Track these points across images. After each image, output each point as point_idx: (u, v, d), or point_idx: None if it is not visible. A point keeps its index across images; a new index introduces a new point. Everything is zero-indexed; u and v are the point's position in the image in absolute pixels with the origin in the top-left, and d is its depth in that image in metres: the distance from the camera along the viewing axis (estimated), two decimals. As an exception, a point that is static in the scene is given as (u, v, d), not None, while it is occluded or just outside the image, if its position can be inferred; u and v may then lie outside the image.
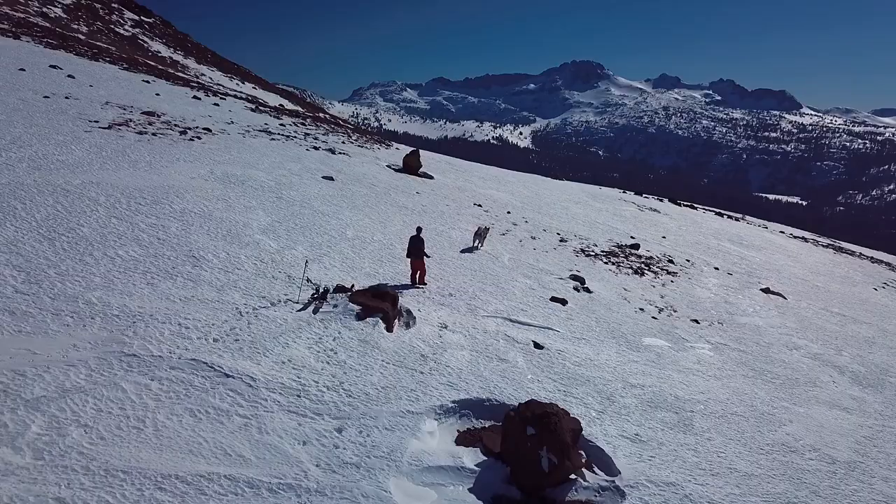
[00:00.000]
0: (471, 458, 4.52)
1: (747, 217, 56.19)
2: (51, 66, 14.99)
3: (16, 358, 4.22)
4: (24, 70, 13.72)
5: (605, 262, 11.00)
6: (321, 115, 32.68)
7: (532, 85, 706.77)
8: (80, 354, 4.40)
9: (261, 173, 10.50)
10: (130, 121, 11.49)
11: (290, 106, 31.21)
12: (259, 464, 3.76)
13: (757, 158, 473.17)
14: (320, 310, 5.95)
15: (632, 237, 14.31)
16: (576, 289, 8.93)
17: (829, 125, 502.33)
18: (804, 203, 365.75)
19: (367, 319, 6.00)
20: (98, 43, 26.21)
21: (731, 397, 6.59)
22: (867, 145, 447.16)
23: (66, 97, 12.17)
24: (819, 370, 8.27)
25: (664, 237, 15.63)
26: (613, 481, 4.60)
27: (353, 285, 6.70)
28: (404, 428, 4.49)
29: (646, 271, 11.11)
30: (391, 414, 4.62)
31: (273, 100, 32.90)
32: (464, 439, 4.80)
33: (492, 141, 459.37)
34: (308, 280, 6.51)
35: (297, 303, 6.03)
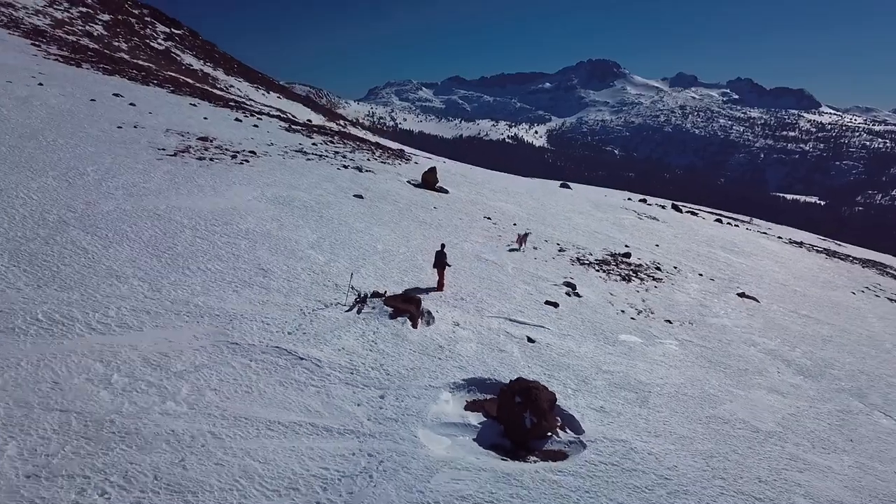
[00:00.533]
0: (475, 419, 6.28)
1: (755, 220, 57.30)
2: (114, 94, 17.05)
3: (159, 345, 6.07)
4: (94, 100, 15.74)
5: (597, 270, 12.70)
6: (340, 121, 34.70)
7: (548, 84, 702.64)
8: (199, 343, 6.24)
9: (303, 194, 12.37)
10: (190, 147, 13.43)
11: (315, 119, 33.18)
12: (330, 417, 5.55)
13: (774, 158, 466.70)
14: (362, 311, 7.75)
15: (626, 246, 15.98)
16: (567, 294, 10.66)
17: (849, 124, 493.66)
18: (822, 203, 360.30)
19: (398, 318, 7.79)
20: (140, 62, 28.34)
21: (685, 382, 8.28)
22: (887, 145, 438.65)
23: (135, 126, 14.14)
24: (769, 363, 9.91)
25: (657, 245, 17.27)
26: (579, 438, 6.33)
27: (385, 291, 8.49)
28: (427, 397, 6.27)
29: (633, 278, 12.80)
30: (418, 387, 6.40)
31: (298, 111, 35.00)
32: (470, 406, 6.57)
33: (507, 140, 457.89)
34: (352, 287, 8.31)
35: (345, 305, 7.84)
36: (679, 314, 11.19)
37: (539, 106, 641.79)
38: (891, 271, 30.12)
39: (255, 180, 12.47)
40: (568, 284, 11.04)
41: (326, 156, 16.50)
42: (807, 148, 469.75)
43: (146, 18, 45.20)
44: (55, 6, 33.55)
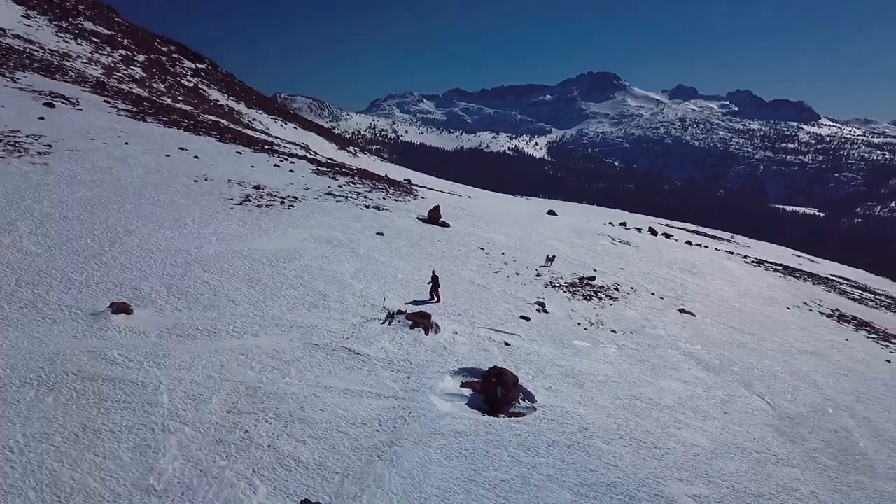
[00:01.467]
0: (466, 392, 9.90)
1: (736, 237, 60.90)
2: (180, 147, 20.81)
3: (271, 345, 9.73)
4: (169, 156, 19.53)
5: (565, 292, 16.36)
6: (351, 148, 38.48)
7: (548, 96, 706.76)
8: (294, 344, 9.91)
9: (338, 234, 16.09)
10: (249, 196, 17.16)
11: (329, 147, 37.15)
12: (378, 388, 9.19)
13: (774, 170, 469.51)
14: (392, 323, 11.42)
15: (594, 270, 19.65)
16: (538, 310, 14.31)
17: (848, 136, 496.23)
18: (821, 215, 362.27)
19: (416, 328, 11.44)
20: (182, 106, 32.30)
21: (614, 373, 11.89)
22: (886, 157, 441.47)
23: (205, 179, 17.89)
24: (684, 361, 13.52)
25: (622, 269, 20.93)
26: (532, 405, 9.95)
27: (406, 310, 12.17)
28: (436, 378, 9.91)
29: (593, 297, 16.46)
30: (430, 372, 10.04)
31: (314, 140, 38.96)
32: (464, 385, 10.20)
33: (507, 151, 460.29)
34: (384, 307, 11.98)
35: (380, 319, 11.50)
36: (624, 326, 14.84)
37: (540, 118, 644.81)
38: (844, 286, 33.69)
39: (302, 223, 16.20)
40: (539, 303, 14.70)
41: (351, 197, 20.23)
42: (806, 160, 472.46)
43: (174, 55, 49.45)
44: (100, 52, 37.67)
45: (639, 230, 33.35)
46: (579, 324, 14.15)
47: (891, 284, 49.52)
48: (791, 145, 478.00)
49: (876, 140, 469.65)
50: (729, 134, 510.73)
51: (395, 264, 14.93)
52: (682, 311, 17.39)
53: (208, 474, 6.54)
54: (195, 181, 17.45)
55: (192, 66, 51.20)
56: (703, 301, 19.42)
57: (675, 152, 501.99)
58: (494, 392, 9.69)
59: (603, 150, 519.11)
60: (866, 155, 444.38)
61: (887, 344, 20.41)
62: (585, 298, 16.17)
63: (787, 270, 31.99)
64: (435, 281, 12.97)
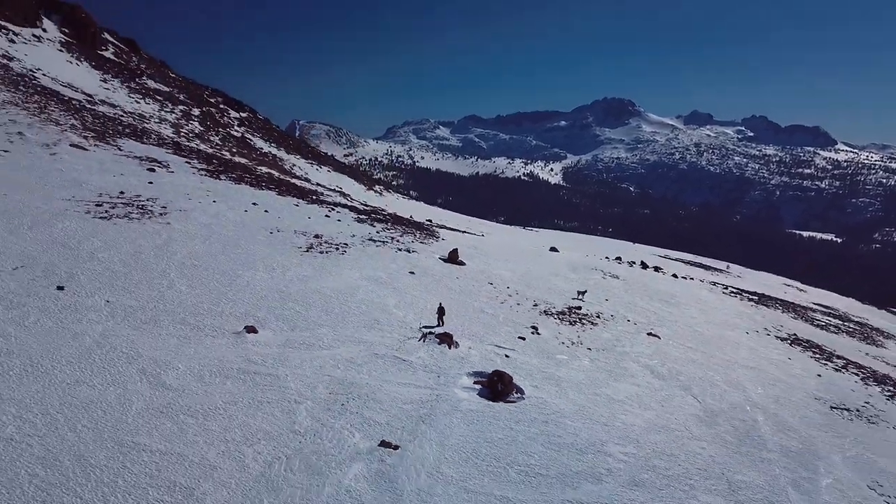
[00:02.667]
0: (477, 387, 14.66)
1: (732, 266, 64.88)
2: (252, 203, 26.12)
3: (348, 355, 14.60)
4: (247, 211, 24.82)
5: (555, 318, 21.12)
6: (377, 187, 43.67)
7: (563, 122, 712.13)
8: (363, 354, 14.75)
9: (381, 273, 21.08)
10: (312, 244, 22.26)
11: (358, 188, 42.54)
12: (419, 382, 13.97)
13: (790, 195, 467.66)
14: (425, 341, 16.27)
15: (582, 301, 24.39)
16: (532, 332, 19.06)
17: (865, 161, 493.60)
18: (839, 240, 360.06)
19: (442, 344, 16.27)
20: (240, 159, 37.95)
21: (585, 378, 16.56)
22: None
23: (278, 230, 23.08)
24: (641, 372, 18.11)
25: (607, 300, 25.61)
26: (522, 396, 14.68)
27: (434, 331, 17.02)
28: (457, 377, 14.69)
29: (577, 323, 21.17)
30: (453, 373, 14.82)
31: (346, 183, 44.39)
32: (476, 382, 14.98)
33: (523, 177, 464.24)
34: (420, 329, 16.85)
35: (417, 338, 16.35)
36: (598, 345, 19.54)
37: (554, 143, 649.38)
38: (816, 314, 37.83)
39: (354, 265, 21.25)
40: (533, 327, 19.48)
41: (387, 241, 25.28)
42: (822, 185, 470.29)
43: (221, 106, 55.67)
44: (165, 110, 43.77)
45: (631, 264, 37.94)
46: (563, 343, 18.89)
47: (876, 313, 53.20)
48: (807, 171, 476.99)
49: (894, 165, 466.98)
50: (744, 159, 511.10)
51: (424, 297, 19.85)
52: (650, 334, 22.00)
53: (325, 426, 11.34)
54: (271, 233, 22.62)
55: (237, 115, 57.49)
56: (671, 326, 23.99)
57: (690, 178, 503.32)
58: (496, 387, 14.46)
59: (618, 175, 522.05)
60: (884, 180, 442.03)
61: (826, 362, 24.75)
62: (571, 324, 20.92)
63: (762, 299, 36.28)
64: (441, 311, 17.76)
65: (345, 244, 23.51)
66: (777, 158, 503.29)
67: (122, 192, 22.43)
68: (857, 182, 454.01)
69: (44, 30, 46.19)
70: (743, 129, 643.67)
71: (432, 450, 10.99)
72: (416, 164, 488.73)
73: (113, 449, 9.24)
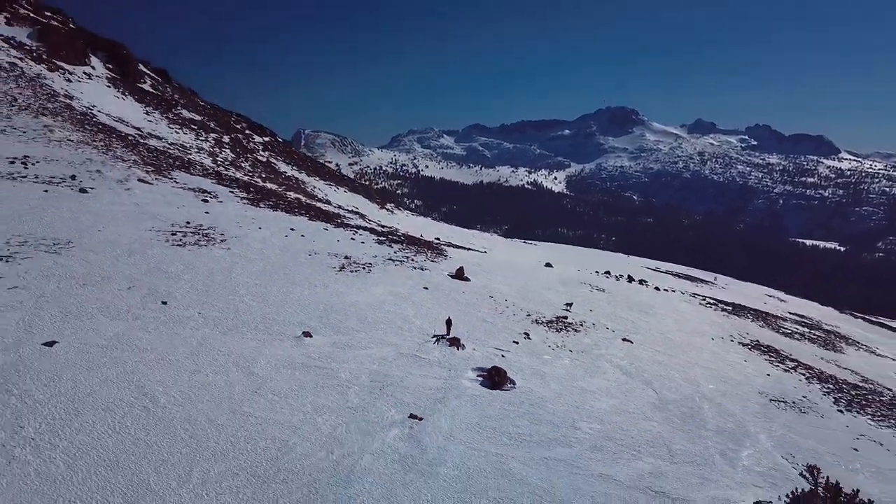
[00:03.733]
0: (480, 379, 18.99)
1: (720, 277, 68.91)
2: (290, 228, 30.66)
3: (380, 354, 19.04)
4: (287, 236, 29.38)
5: (544, 326, 25.50)
6: (389, 205, 48.14)
7: (567, 131, 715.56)
8: (392, 354, 19.12)
9: (400, 289, 25.53)
10: (344, 264, 26.73)
11: (372, 206, 47.11)
12: (435, 375, 18.33)
13: (794, 204, 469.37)
14: (438, 343, 20.69)
15: (569, 311, 28.75)
16: (524, 337, 23.44)
17: (869, 170, 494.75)
18: (842, 249, 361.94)
19: (451, 346, 20.68)
20: (270, 185, 42.66)
21: (564, 373, 20.91)
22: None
23: (315, 253, 27.58)
24: (611, 369, 22.44)
25: (591, 310, 29.96)
26: (515, 386, 19.05)
27: (445, 337, 21.46)
28: (464, 371, 19.03)
29: (563, 330, 25.54)
30: (461, 368, 19.15)
31: (361, 202, 48.95)
32: (479, 375, 19.39)
33: (526, 186, 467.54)
34: (434, 335, 21.29)
35: (432, 342, 20.76)
36: (578, 348, 23.91)
37: (558, 152, 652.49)
38: (786, 323, 42.02)
39: (378, 283, 25.73)
40: (525, 333, 23.88)
41: (404, 261, 29.78)
42: (826, 194, 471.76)
43: (246, 132, 60.48)
44: (200, 139, 48.52)
45: (618, 278, 42.27)
46: (549, 346, 23.28)
47: (852, 322, 57.24)
48: (811, 179, 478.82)
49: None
50: (748, 168, 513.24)
51: (437, 309, 24.31)
52: (624, 339, 26.34)
53: (369, 404, 15.71)
54: (309, 255, 27.16)
55: (260, 139, 62.32)
56: (644, 333, 28.32)
57: (693, 186, 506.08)
58: (494, 379, 18.84)
59: (621, 184, 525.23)
60: (887, 189, 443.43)
61: (779, 364, 29.01)
62: (557, 331, 25.32)
63: (735, 309, 40.53)
64: (448, 322, 22.20)
65: (370, 264, 28.04)
66: (780, 167, 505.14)
67: (188, 223, 27.03)
68: (861, 191, 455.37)
69: (92, 67, 51.10)
70: (746, 137, 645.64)
71: (446, 421, 15.32)
72: (421, 172, 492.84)
73: (230, 415, 13.65)
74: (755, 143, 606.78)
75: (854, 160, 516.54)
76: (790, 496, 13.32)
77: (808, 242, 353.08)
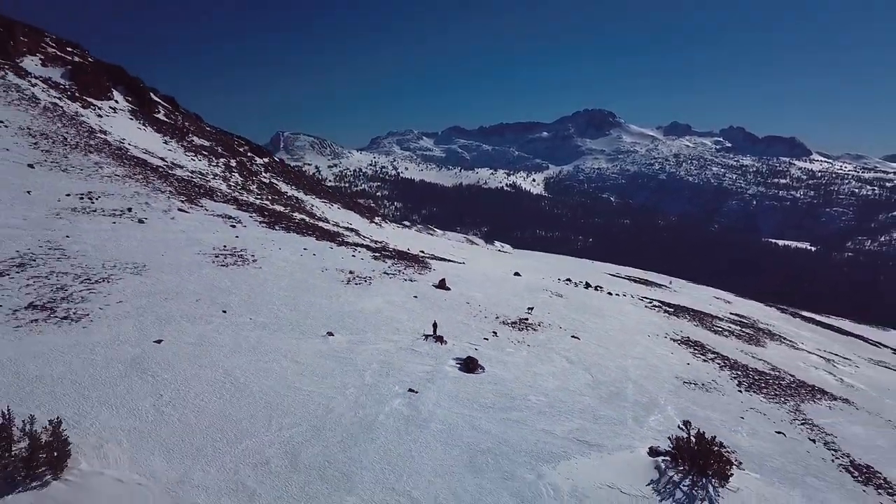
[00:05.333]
0: (458, 365, 25.60)
1: (675, 280, 76.35)
2: (303, 248, 37.03)
3: (384, 348, 25.66)
4: (302, 255, 35.77)
5: (509, 326, 32.28)
6: (377, 218, 54.49)
7: (545, 133, 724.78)
8: (393, 348, 25.66)
9: (395, 298, 32.11)
10: (350, 279, 33.19)
11: (362, 221, 53.54)
12: (424, 363, 24.88)
13: (767, 205, 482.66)
14: (427, 341, 27.37)
15: (530, 314, 35.61)
16: (492, 335, 30.19)
17: (839, 171, 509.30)
18: (813, 249, 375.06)
19: (437, 342, 27.32)
20: (279, 208, 48.97)
21: (522, 362, 27.62)
22: (876, 192, 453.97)
23: (326, 269, 34.02)
24: (559, 359, 29.22)
25: (549, 313, 36.84)
26: (483, 370, 25.78)
27: (431, 335, 28.19)
28: (446, 360, 25.49)
29: (523, 329, 32.36)
30: (444, 358, 25.63)
31: (354, 218, 55.28)
32: (457, 363, 26.11)
33: (505, 188, 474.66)
34: (425, 334, 27.96)
35: (422, 340, 27.42)
36: (535, 343, 30.74)
37: (537, 154, 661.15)
38: (722, 322, 49.39)
39: (377, 293, 32.31)
40: (493, 332, 30.61)
41: (396, 274, 36.35)
42: (798, 195, 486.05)
43: (248, 154, 66.40)
44: (212, 165, 54.33)
45: (576, 284, 49.28)
46: (512, 342, 30.08)
47: (791, 321, 64.96)
48: (783, 181, 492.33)
49: (866, 175, 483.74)
50: (722, 170, 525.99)
51: (425, 314, 30.98)
52: (573, 336, 33.21)
53: (380, 382, 22.19)
54: (322, 271, 33.60)
55: (261, 161, 68.17)
56: (591, 332, 35.24)
57: (669, 188, 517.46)
58: (468, 365, 25.54)
59: (599, 185, 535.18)
60: (856, 190, 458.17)
61: (701, 356, 36.16)
62: (519, 330, 32.16)
63: (676, 311, 47.76)
64: (435, 325, 28.86)
65: (369, 277, 34.62)
66: (754, 168, 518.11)
67: (224, 246, 33.30)
68: (831, 192, 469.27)
69: (115, 101, 56.48)
70: (721, 139, 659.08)
71: (434, 394, 21.88)
72: (401, 174, 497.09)
73: (287, 389, 20.08)
74: (729, 144, 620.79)
75: (825, 161, 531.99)
76: (670, 440, 20.11)
77: (781, 243, 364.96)
